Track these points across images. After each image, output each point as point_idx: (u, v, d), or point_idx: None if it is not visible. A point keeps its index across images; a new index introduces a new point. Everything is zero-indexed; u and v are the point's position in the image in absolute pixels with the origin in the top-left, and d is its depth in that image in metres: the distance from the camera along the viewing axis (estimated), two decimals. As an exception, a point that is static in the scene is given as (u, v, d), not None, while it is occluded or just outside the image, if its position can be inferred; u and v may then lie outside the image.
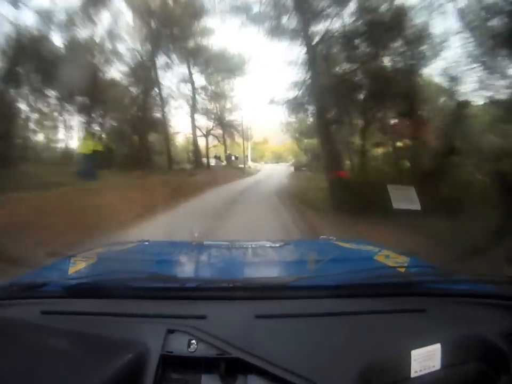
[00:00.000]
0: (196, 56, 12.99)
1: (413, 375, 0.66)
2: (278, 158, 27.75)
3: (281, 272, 1.11)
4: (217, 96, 15.06)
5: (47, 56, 8.32)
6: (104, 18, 10.31)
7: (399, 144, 8.13)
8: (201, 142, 15.07)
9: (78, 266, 1.12)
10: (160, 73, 12.58)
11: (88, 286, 0.90)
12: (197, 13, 11.30)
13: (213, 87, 14.75)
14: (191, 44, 12.63)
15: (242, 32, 14.39)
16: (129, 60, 11.56)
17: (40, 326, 0.77)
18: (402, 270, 1.01)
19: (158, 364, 0.65)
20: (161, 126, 12.70)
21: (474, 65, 5.75)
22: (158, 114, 12.78)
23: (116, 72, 11.27)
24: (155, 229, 5.03)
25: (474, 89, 6.12)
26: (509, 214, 3.57)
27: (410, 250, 1.27)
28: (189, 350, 0.67)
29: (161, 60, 12.52)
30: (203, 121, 15.16)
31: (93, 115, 10.48)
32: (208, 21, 11.75)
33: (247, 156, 20.46)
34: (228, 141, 17.39)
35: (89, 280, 0.91)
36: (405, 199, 3.03)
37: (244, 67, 13.87)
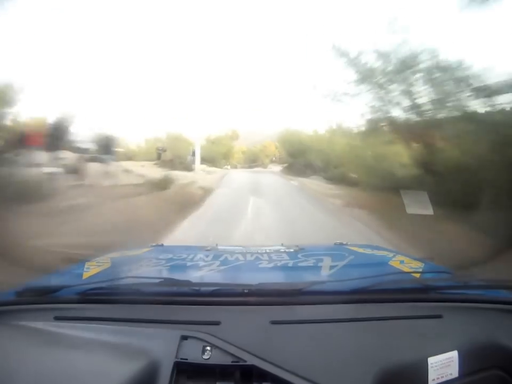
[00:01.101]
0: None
1: (430, 383, 0.65)
2: (252, 162, 20.26)
3: (295, 278, 1.11)
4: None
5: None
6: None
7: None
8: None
9: (91, 272, 1.12)
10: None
11: (101, 291, 0.90)
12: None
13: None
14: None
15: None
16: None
17: (53, 332, 0.77)
18: (418, 275, 1.00)
19: (172, 371, 0.64)
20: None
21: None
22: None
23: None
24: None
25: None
26: None
27: (426, 255, 1.24)
28: (203, 357, 0.67)
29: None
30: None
31: None
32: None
33: (193, 154, 13.02)
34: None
35: (102, 285, 0.92)
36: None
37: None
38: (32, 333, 0.77)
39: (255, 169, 18.78)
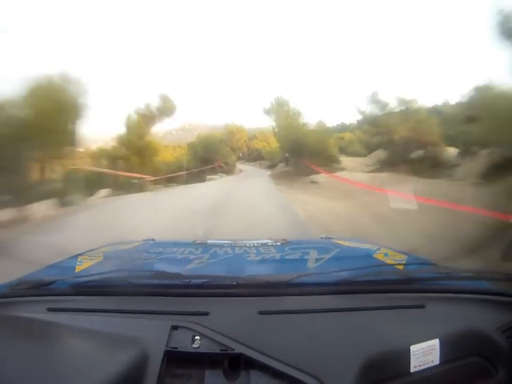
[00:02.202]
0: None
1: (412, 370, 0.67)
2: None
3: (283, 270, 1.13)
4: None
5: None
6: None
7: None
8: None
9: (84, 265, 1.14)
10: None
11: (93, 283, 0.92)
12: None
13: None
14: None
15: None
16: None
17: (46, 322, 0.79)
18: (401, 267, 1.02)
19: (163, 359, 0.66)
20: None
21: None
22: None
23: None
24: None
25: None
26: None
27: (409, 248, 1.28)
28: (192, 346, 0.69)
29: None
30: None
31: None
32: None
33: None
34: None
35: (95, 278, 0.93)
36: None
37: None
38: (26, 324, 0.78)
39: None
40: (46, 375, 0.58)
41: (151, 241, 1.60)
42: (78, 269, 1.10)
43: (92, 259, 1.21)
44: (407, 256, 1.16)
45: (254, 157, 29.07)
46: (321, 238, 1.63)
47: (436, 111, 12.59)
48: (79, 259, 1.20)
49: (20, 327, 0.77)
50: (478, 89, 9.25)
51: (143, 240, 1.60)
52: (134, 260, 1.23)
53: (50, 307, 0.85)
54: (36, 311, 0.84)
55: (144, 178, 11.52)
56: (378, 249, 1.28)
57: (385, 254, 1.19)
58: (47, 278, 0.95)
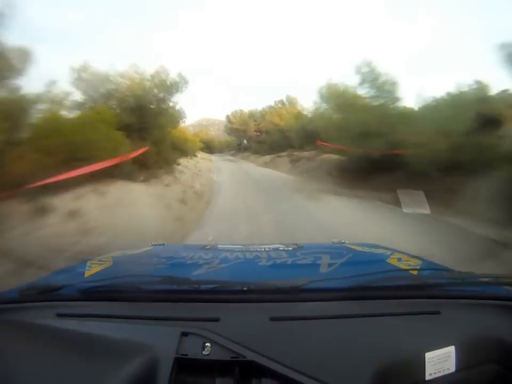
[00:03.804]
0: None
1: (427, 377, 0.66)
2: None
3: (294, 275, 1.11)
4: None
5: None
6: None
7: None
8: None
9: (93, 270, 1.14)
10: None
11: (103, 289, 0.91)
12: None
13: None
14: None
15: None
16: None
17: (55, 328, 0.78)
18: (415, 272, 1.00)
19: (172, 366, 0.65)
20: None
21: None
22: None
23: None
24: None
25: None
26: None
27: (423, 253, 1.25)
28: (203, 353, 0.68)
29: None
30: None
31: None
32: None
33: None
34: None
35: (104, 283, 0.93)
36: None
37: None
38: (35, 329, 0.78)
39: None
40: (54, 381, 0.57)
41: (161, 246, 1.60)
42: (87, 274, 1.10)
43: (100, 264, 1.21)
44: (421, 261, 1.14)
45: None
46: (333, 242, 1.61)
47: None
48: (88, 264, 1.20)
49: (29, 333, 0.77)
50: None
51: (152, 245, 1.60)
52: (143, 265, 1.22)
53: (59, 312, 0.85)
54: (45, 317, 0.84)
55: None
56: (392, 254, 1.25)
57: (399, 259, 1.16)
58: (56, 283, 0.95)
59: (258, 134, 28.72)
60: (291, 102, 27.48)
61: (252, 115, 30.76)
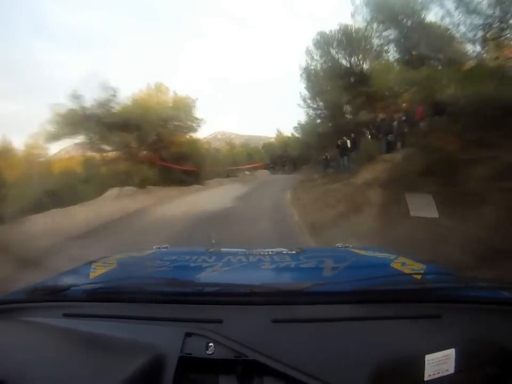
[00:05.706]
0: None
1: (426, 378, 0.66)
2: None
3: (298, 279, 1.12)
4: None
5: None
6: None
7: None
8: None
9: (98, 272, 1.15)
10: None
11: (108, 290, 0.93)
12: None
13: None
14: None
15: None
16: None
17: (62, 328, 0.80)
18: (418, 276, 1.00)
19: (177, 365, 0.66)
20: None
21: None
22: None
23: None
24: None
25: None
26: None
27: (427, 257, 1.25)
28: (206, 352, 0.68)
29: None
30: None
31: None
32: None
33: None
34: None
35: (109, 284, 0.95)
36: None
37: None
38: (42, 329, 0.80)
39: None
40: (62, 378, 0.59)
41: (165, 249, 1.62)
42: (92, 275, 1.11)
43: (105, 266, 1.22)
44: (425, 266, 1.14)
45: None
46: (337, 246, 1.61)
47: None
48: (92, 266, 1.21)
49: (37, 332, 0.78)
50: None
51: (156, 247, 1.61)
52: (148, 267, 1.24)
53: (66, 313, 0.86)
54: (52, 316, 0.85)
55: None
56: (396, 258, 1.25)
57: (403, 264, 1.16)
58: (62, 284, 0.97)
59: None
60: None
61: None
